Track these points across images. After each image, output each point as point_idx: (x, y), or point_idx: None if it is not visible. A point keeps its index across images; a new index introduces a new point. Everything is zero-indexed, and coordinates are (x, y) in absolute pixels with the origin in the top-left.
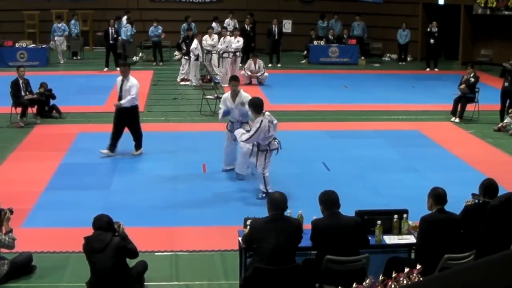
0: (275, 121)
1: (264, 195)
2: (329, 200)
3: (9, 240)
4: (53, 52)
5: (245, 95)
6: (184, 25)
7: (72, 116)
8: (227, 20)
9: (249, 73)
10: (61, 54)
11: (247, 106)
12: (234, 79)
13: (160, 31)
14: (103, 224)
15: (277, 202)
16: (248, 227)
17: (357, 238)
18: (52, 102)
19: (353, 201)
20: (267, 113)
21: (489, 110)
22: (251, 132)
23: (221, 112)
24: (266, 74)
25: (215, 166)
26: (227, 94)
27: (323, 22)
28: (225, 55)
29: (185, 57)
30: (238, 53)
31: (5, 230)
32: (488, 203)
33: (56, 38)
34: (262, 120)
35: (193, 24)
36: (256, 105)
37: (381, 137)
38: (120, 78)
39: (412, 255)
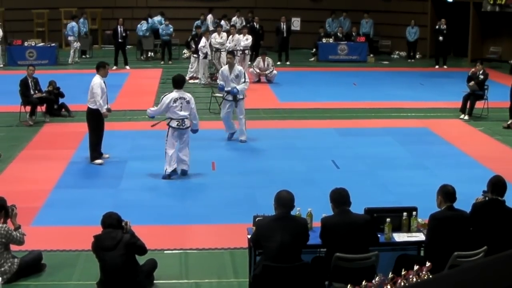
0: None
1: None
2: (339, 198)
3: (20, 236)
4: (62, 52)
5: (239, 68)
6: (198, 22)
7: (81, 115)
8: (234, 18)
9: (258, 70)
10: (72, 54)
11: (240, 77)
12: (229, 53)
13: (171, 30)
14: (113, 221)
15: (284, 200)
16: (255, 226)
17: (367, 235)
18: (61, 100)
19: (363, 199)
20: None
21: (498, 107)
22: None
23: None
24: (275, 72)
25: (225, 164)
26: (225, 67)
27: (332, 20)
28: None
29: (194, 55)
30: (247, 51)
31: (14, 227)
32: (497, 200)
33: (69, 38)
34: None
35: (198, 22)
36: (173, 81)
37: (390, 134)
38: (102, 79)
39: (422, 253)
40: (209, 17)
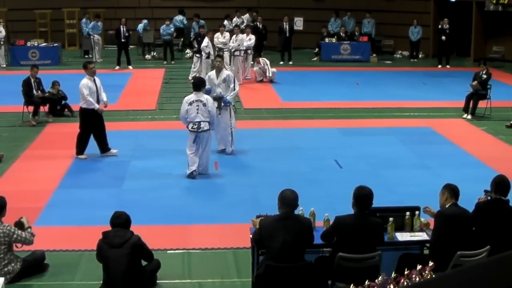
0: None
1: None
2: (363, 200)
3: (28, 235)
4: (65, 52)
5: (227, 72)
6: (193, 23)
7: None
8: (234, 19)
9: (261, 65)
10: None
11: (227, 82)
12: (218, 56)
13: (172, 29)
14: (122, 221)
15: (288, 200)
16: (258, 225)
17: (376, 239)
18: (64, 101)
19: None
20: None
21: (501, 107)
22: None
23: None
24: (273, 69)
25: (227, 164)
26: (212, 72)
27: (335, 19)
28: (237, 53)
29: (197, 55)
30: (249, 51)
31: (24, 227)
32: (500, 200)
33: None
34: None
35: (202, 22)
36: (192, 83)
37: (393, 134)
38: (90, 79)
39: (424, 252)
40: (245, 17)
